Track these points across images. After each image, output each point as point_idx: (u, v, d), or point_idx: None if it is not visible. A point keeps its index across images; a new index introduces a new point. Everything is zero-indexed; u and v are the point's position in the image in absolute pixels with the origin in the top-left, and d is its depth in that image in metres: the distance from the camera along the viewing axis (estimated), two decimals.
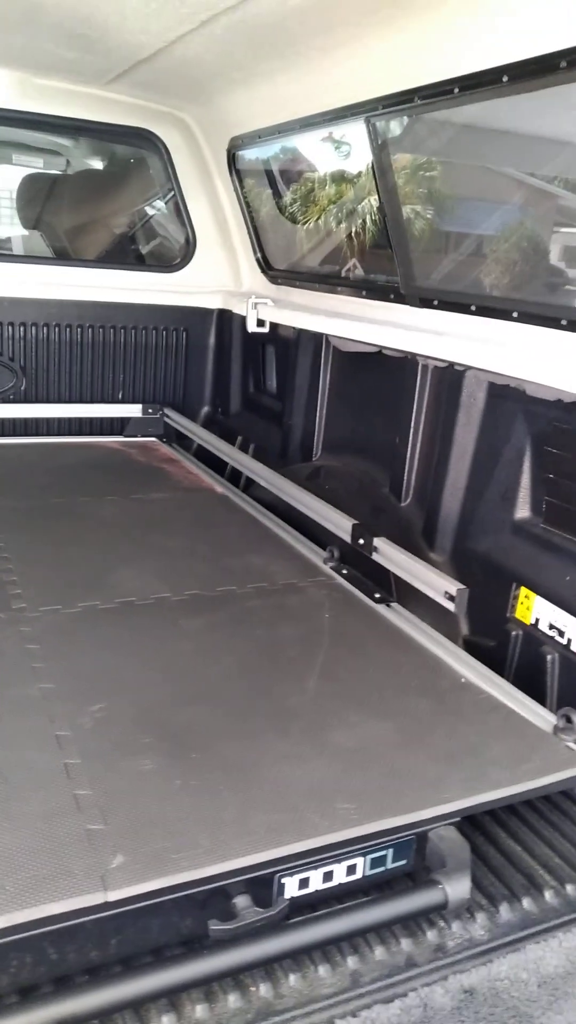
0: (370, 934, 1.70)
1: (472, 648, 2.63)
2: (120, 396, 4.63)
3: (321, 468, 3.85)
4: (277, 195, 4.63)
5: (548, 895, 1.86)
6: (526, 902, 1.84)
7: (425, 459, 3.17)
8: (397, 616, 2.70)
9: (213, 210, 4.61)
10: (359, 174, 4.49)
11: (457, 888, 1.67)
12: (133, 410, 4.63)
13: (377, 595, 2.82)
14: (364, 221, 4.58)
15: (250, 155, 4.37)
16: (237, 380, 4.72)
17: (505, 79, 2.39)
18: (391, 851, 1.74)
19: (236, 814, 1.67)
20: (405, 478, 3.26)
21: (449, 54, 2.57)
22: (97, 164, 5.21)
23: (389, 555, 2.87)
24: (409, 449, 3.23)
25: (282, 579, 2.93)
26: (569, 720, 2.01)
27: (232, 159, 4.33)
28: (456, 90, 2.58)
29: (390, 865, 1.76)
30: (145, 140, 4.52)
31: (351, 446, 3.75)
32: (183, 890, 1.52)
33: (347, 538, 3.09)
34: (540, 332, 2.58)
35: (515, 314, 2.70)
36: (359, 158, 3.78)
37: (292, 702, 2.13)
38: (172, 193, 4.64)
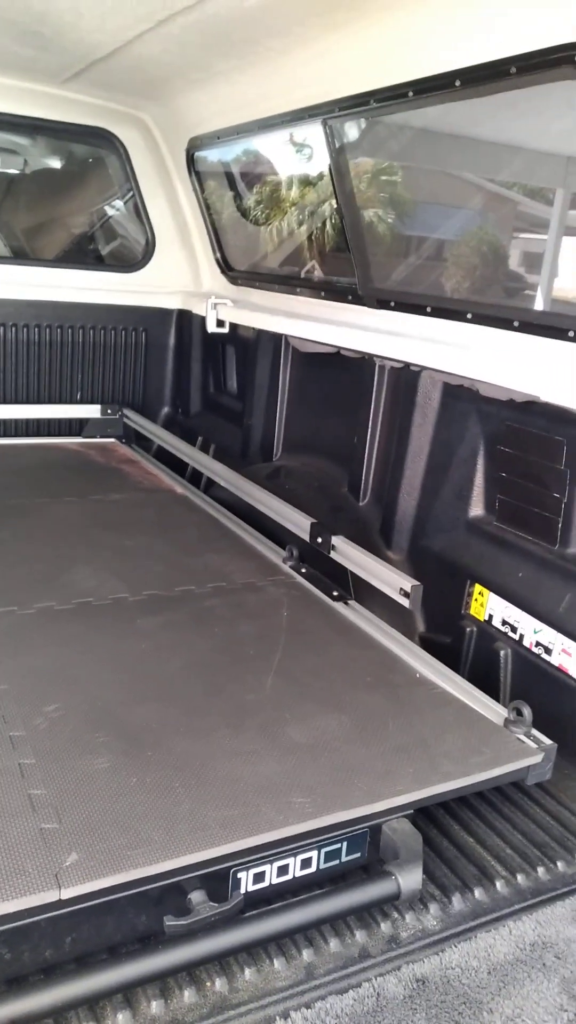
0: (325, 927, 1.72)
1: (428, 644, 2.66)
2: (79, 397, 4.60)
3: (281, 468, 3.87)
4: (237, 196, 4.64)
5: (499, 885, 1.90)
6: (478, 892, 1.87)
7: (383, 459, 3.20)
8: (354, 614, 2.72)
9: (172, 210, 4.61)
10: (319, 176, 4.52)
11: (409, 879, 1.70)
12: (92, 411, 4.60)
13: (335, 593, 2.84)
14: (323, 223, 4.62)
15: (210, 156, 4.38)
16: (197, 380, 4.72)
17: (457, 83, 2.43)
18: (345, 844, 1.76)
19: (190, 810, 1.68)
20: (363, 477, 3.29)
21: (403, 58, 2.61)
22: (55, 163, 5.16)
23: (346, 553, 2.90)
24: (367, 449, 3.26)
25: (241, 578, 2.94)
26: (520, 713, 2.05)
27: (191, 159, 4.34)
28: (410, 93, 2.62)
29: (344, 858, 1.78)
30: (104, 140, 4.50)
31: (311, 446, 3.78)
32: (137, 886, 1.52)
33: (306, 537, 3.11)
34: (493, 333, 2.63)
35: (469, 315, 2.75)
36: (319, 161, 3.81)
37: (248, 699, 2.14)
38: (131, 193, 4.63)
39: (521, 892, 1.89)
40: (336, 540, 2.95)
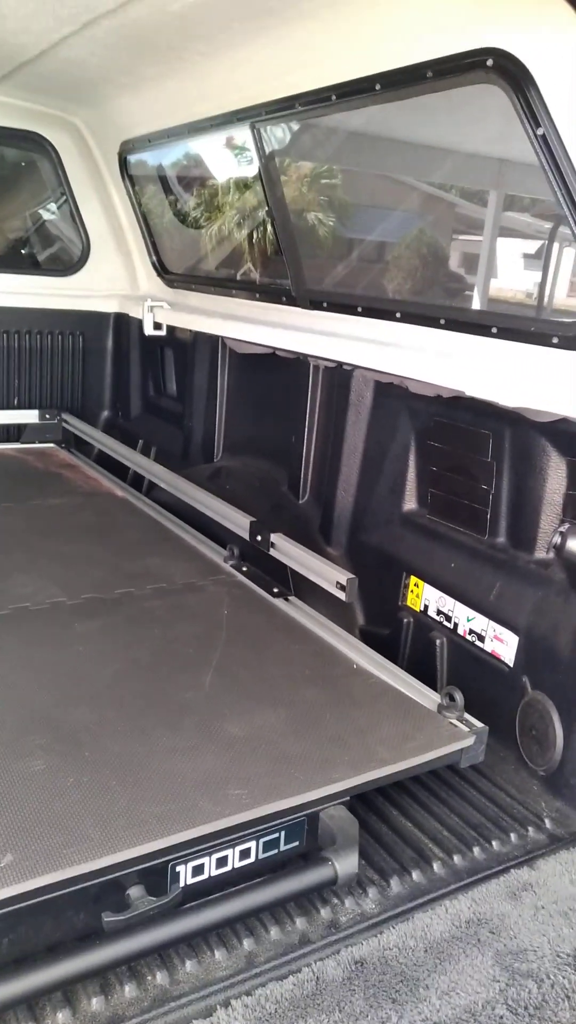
0: (266, 916, 1.75)
1: (367, 637, 2.71)
2: (16, 402, 4.55)
3: (222, 469, 3.89)
4: (172, 200, 4.65)
5: (436, 866, 1.94)
6: (415, 874, 1.91)
7: (320, 457, 3.25)
8: (295, 609, 2.75)
9: (107, 214, 4.60)
10: (253, 180, 4.56)
11: (346, 863, 1.73)
12: (30, 416, 4.56)
13: (275, 590, 2.87)
14: (257, 226, 4.66)
15: (143, 159, 4.38)
16: (137, 384, 4.71)
17: (378, 87, 2.49)
18: (283, 833, 1.79)
19: (127, 807, 1.69)
20: (302, 476, 3.34)
21: (325, 63, 2.66)
22: None
23: (285, 550, 2.93)
24: (304, 448, 3.31)
25: (182, 579, 2.95)
26: (452, 698, 2.10)
27: (124, 163, 4.33)
28: (333, 97, 2.68)
29: (283, 847, 1.81)
30: (35, 143, 4.47)
31: (250, 446, 3.80)
32: (74, 884, 1.53)
33: (247, 536, 3.13)
34: (421, 331, 2.69)
35: (398, 314, 2.81)
36: (252, 165, 3.85)
37: (186, 697, 2.15)
38: (65, 197, 4.60)
39: (457, 872, 1.94)
40: (275, 537, 2.99)
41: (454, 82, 2.26)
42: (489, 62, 2.10)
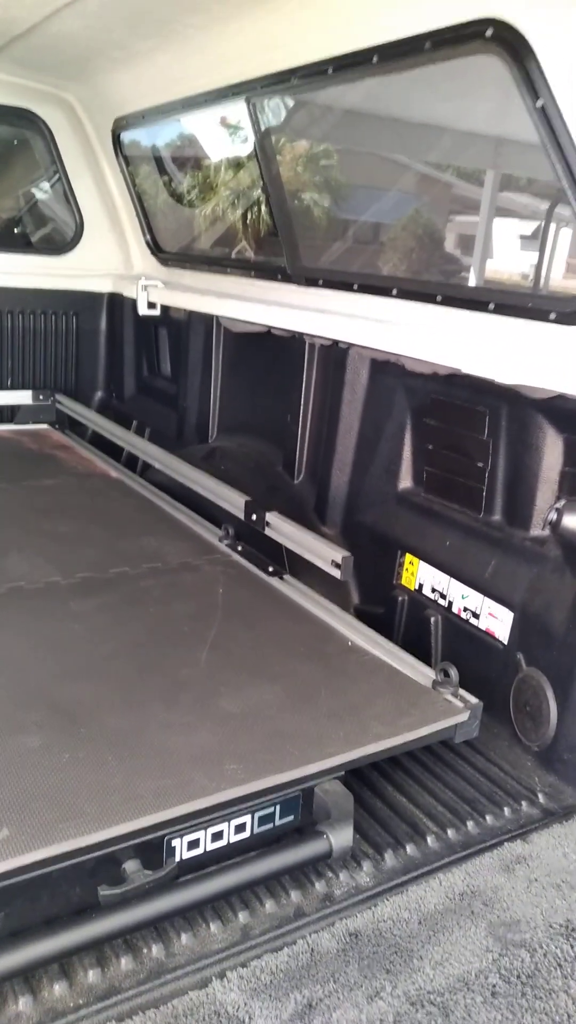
0: (261, 890, 1.75)
1: (362, 615, 2.71)
2: (9, 383, 4.52)
3: (217, 449, 3.87)
4: (166, 178, 4.61)
5: (430, 840, 1.95)
6: (409, 848, 1.92)
7: (315, 436, 3.23)
8: (290, 588, 2.75)
9: (100, 192, 4.55)
10: (248, 157, 4.52)
11: (340, 837, 1.74)
12: (23, 397, 4.53)
13: (270, 569, 2.86)
14: (253, 204, 4.61)
15: (137, 137, 4.33)
16: (131, 364, 4.68)
17: (375, 59, 2.46)
18: (278, 807, 1.79)
19: (123, 782, 1.69)
20: (297, 456, 3.32)
21: (322, 35, 2.63)
22: None
23: (280, 529, 2.93)
24: (300, 427, 3.29)
25: (177, 559, 2.95)
26: (447, 674, 2.11)
27: (118, 140, 4.28)
28: (330, 70, 2.64)
29: (279, 821, 1.81)
30: (27, 120, 4.41)
31: (246, 426, 3.79)
32: (70, 859, 1.53)
33: (241, 516, 3.12)
34: (417, 308, 2.67)
35: (394, 291, 2.79)
36: (247, 142, 3.81)
37: (182, 674, 2.15)
38: (58, 175, 4.55)
39: (451, 846, 1.95)
40: (270, 516, 2.98)
41: (453, 53, 2.23)
42: (488, 32, 2.07)
